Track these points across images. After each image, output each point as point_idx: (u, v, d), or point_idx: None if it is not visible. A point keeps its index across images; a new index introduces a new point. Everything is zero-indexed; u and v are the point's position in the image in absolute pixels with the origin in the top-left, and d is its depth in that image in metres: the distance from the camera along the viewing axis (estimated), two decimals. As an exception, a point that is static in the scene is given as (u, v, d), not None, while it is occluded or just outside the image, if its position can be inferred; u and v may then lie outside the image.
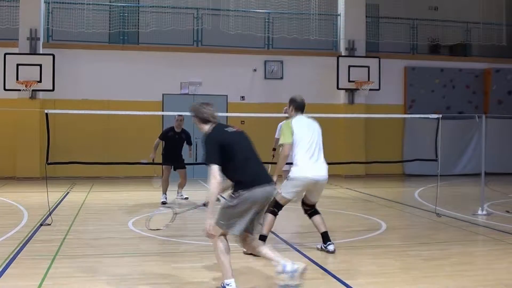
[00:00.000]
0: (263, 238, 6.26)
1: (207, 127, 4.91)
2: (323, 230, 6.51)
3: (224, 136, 4.82)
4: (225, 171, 4.72)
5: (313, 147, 6.34)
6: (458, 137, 17.33)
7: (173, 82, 16.11)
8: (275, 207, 6.42)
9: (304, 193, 6.54)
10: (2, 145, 15.42)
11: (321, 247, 6.53)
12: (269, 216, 6.37)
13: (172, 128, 10.93)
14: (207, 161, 4.66)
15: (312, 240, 7.58)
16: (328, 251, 6.42)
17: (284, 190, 6.37)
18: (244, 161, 4.80)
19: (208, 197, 4.68)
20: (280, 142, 6.45)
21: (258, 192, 4.70)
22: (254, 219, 4.84)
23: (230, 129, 4.93)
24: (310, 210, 6.62)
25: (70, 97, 15.54)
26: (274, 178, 6.15)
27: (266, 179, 4.84)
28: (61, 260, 6.00)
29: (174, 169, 11.09)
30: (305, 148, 6.29)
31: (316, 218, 6.56)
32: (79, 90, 15.79)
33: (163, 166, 11.16)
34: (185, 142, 10.93)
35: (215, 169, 4.62)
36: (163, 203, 10.65)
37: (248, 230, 4.85)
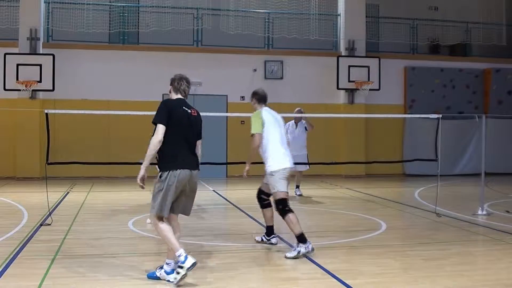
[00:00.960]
0: (300, 237, 6.25)
1: (174, 97, 5.47)
2: (271, 224, 6.81)
3: (178, 109, 5.25)
4: (164, 141, 5.09)
5: (283, 138, 6.69)
6: (458, 137, 17.33)
7: (173, 82, 16.09)
8: (283, 205, 6.40)
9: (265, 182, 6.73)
10: (2, 145, 15.42)
11: (262, 239, 6.86)
12: (290, 216, 6.34)
13: None
14: (155, 120, 5.11)
15: (312, 240, 7.59)
16: (271, 243, 6.76)
17: (277, 187, 6.41)
18: (180, 142, 5.17)
19: (147, 152, 5.08)
20: (252, 131, 6.57)
21: (180, 174, 5.08)
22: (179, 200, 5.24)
23: (187, 109, 5.31)
24: (267, 200, 6.80)
25: (70, 97, 15.54)
26: (247, 167, 6.71)
27: (190, 166, 5.18)
28: (61, 260, 6.00)
29: None
30: (278, 139, 6.58)
31: (269, 211, 6.81)
32: (79, 90, 15.79)
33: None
34: None
35: (161, 128, 5.07)
36: None
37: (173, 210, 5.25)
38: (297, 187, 12.08)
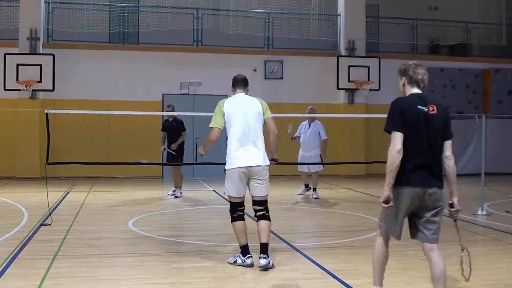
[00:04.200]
0: (242, 248, 5.77)
1: (407, 93, 4.35)
2: (262, 240, 5.73)
3: (411, 110, 4.15)
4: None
5: (246, 133, 5.73)
6: (458, 137, 17.15)
7: (173, 82, 16.11)
8: (231, 210, 5.83)
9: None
10: (2, 145, 15.42)
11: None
12: (234, 224, 5.78)
13: (166, 119, 11.95)
14: (387, 127, 4.15)
15: (312, 240, 7.59)
16: (260, 267, 5.63)
17: (225, 189, 5.83)
18: (414, 152, 4.09)
19: (387, 168, 4.09)
20: (210, 125, 5.88)
21: (408, 193, 4.13)
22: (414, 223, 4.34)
23: (423, 107, 4.18)
24: (259, 211, 5.81)
25: (70, 97, 15.54)
26: (202, 151, 6.06)
27: (423, 182, 4.14)
28: (61, 260, 5.99)
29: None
30: (236, 135, 5.73)
31: (261, 223, 5.78)
32: (79, 90, 15.79)
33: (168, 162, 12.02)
34: (178, 130, 11.62)
35: (397, 136, 4.06)
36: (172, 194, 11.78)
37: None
38: (314, 189, 11.69)
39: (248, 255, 5.71)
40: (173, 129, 11.57)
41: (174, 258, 6.26)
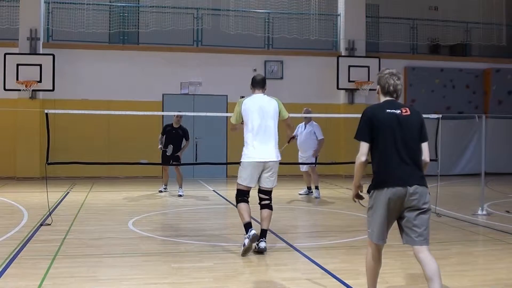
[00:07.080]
0: (245, 225, 6.26)
1: (381, 100, 4.36)
2: (263, 227, 6.41)
3: (380, 115, 4.19)
4: (371, 157, 4.31)
5: (262, 130, 6.36)
6: (458, 137, 17.33)
7: (173, 82, 16.11)
8: (237, 195, 6.41)
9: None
10: (2, 145, 15.42)
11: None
12: (239, 205, 6.36)
13: (170, 124, 11.95)
14: (355, 136, 4.28)
15: (312, 240, 7.59)
16: (259, 248, 6.28)
17: (238, 177, 6.41)
18: (389, 154, 4.20)
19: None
20: (230, 120, 6.74)
21: (387, 193, 4.16)
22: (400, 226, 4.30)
23: (394, 110, 4.20)
24: (264, 200, 6.44)
25: (70, 97, 15.54)
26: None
27: (401, 181, 4.14)
28: (61, 260, 5.99)
29: (171, 163, 11.92)
30: (253, 131, 6.36)
31: (264, 212, 6.42)
32: (79, 90, 15.79)
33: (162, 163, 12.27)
34: (183, 138, 11.87)
35: (362, 146, 4.23)
36: (160, 191, 12.36)
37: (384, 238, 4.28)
38: (316, 187, 11.67)
39: (250, 229, 6.15)
40: (179, 137, 11.80)
41: (174, 258, 6.26)
